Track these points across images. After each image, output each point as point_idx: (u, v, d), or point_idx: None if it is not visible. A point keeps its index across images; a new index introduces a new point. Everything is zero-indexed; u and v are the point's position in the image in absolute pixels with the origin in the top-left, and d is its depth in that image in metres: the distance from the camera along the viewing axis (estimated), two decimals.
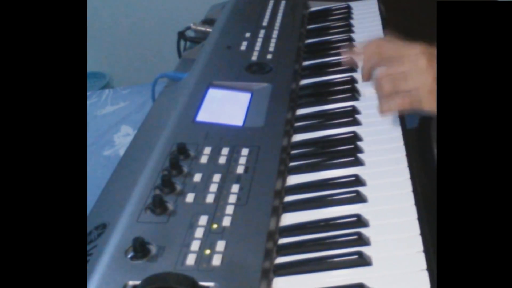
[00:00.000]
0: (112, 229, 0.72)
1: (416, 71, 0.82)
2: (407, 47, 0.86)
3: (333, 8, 1.32)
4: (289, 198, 0.80)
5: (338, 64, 1.10)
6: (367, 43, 0.91)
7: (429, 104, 0.81)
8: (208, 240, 0.69)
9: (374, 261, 0.68)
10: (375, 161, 0.84)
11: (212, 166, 0.81)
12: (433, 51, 0.83)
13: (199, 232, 0.70)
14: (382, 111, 0.86)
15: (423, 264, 0.66)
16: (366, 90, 1.00)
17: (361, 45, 0.93)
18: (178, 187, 0.77)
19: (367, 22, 1.24)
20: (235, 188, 0.77)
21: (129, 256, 0.68)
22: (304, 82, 1.07)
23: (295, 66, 1.08)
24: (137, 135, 0.97)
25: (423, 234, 0.70)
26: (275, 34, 1.18)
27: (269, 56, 1.10)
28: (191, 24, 1.33)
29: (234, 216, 0.72)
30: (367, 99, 0.94)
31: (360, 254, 0.68)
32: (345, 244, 0.70)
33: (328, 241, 0.71)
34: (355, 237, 0.71)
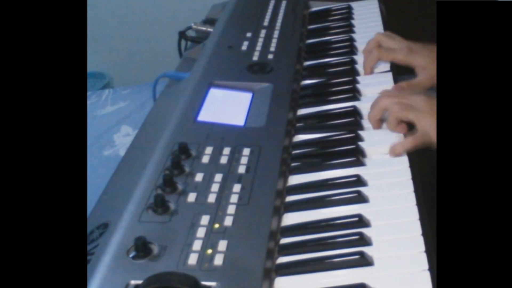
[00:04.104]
0: (114, 229, 0.72)
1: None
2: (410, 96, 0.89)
3: (334, 8, 1.32)
4: (290, 198, 0.80)
5: (339, 64, 1.10)
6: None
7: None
8: (210, 240, 0.69)
9: (375, 261, 0.68)
10: (376, 161, 0.84)
11: (214, 166, 0.81)
12: (433, 100, 0.85)
13: (201, 232, 0.70)
14: (395, 151, 0.85)
15: (425, 264, 0.66)
16: (367, 90, 1.00)
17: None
18: (180, 186, 0.77)
19: (368, 23, 1.24)
20: (236, 188, 0.77)
21: (131, 255, 0.67)
22: (305, 82, 1.07)
23: (296, 66, 1.08)
24: (138, 134, 0.97)
25: (424, 234, 0.70)
26: (276, 34, 1.18)
27: (270, 56, 1.10)
28: (192, 24, 1.32)
29: (235, 216, 0.72)
30: (368, 99, 0.94)
31: (361, 254, 0.68)
32: (346, 244, 0.70)
33: (329, 241, 0.72)
34: (356, 237, 0.71)
